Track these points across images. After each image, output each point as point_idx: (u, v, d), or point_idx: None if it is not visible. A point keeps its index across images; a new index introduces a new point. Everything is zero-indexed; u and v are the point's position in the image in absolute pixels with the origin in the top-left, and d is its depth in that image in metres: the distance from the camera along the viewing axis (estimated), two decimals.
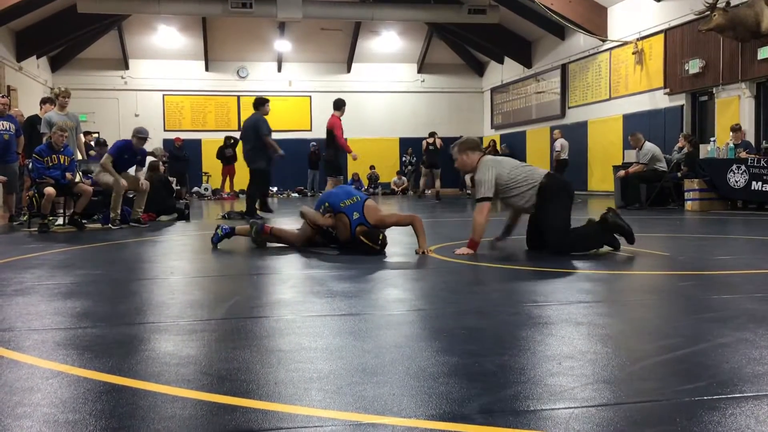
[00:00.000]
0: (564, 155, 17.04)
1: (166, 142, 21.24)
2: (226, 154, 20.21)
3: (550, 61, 20.23)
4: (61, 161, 8.45)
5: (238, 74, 23.56)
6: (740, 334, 2.71)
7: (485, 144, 22.53)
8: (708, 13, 12.10)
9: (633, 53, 16.13)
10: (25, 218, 9.10)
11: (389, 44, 23.82)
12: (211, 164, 21.61)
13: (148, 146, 9.91)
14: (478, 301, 3.63)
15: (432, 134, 17.36)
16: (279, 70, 23.82)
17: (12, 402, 1.99)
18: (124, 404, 1.96)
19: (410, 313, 3.32)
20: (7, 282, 4.28)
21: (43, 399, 2.02)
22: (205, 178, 22.00)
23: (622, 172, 12.49)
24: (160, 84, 22.97)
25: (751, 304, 3.35)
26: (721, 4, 12.07)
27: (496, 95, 23.94)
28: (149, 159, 10.91)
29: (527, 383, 2.12)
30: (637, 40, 15.95)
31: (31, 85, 19.10)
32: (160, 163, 12.89)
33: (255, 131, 10.29)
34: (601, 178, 17.74)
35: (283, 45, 23.08)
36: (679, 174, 12.22)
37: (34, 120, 10.15)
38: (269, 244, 6.06)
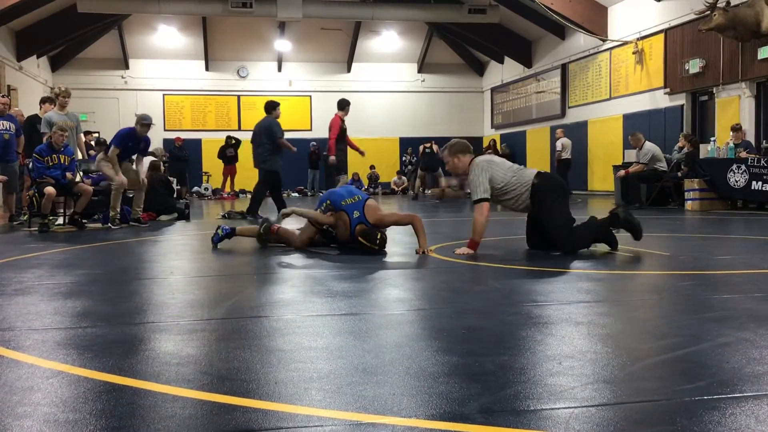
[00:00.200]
0: (566, 155, 17.04)
1: (167, 142, 21.24)
2: (227, 154, 20.23)
3: (550, 61, 20.22)
4: (62, 161, 8.45)
5: (239, 74, 23.56)
6: (740, 333, 2.71)
7: (485, 144, 22.56)
8: (708, 12, 12.11)
9: (633, 53, 16.12)
10: (25, 218, 9.11)
11: (389, 44, 23.82)
12: (212, 164, 21.63)
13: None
14: (478, 301, 3.63)
15: (429, 142, 17.95)
16: (279, 69, 23.83)
17: (12, 401, 1.99)
18: (124, 404, 1.96)
19: (410, 312, 3.32)
20: (7, 282, 4.28)
21: (43, 398, 2.02)
22: (205, 177, 21.99)
23: (622, 172, 12.50)
24: (161, 84, 22.97)
25: (751, 303, 3.35)
26: (721, 4, 12.07)
27: (496, 95, 23.93)
28: (150, 159, 10.91)
29: (527, 383, 2.12)
30: (638, 39, 15.94)
31: (31, 85, 19.10)
32: (161, 162, 12.88)
33: (269, 135, 10.46)
34: (601, 177, 17.73)
35: (283, 45, 23.09)
36: (679, 174, 12.23)
37: (34, 120, 10.14)
38: (270, 244, 6.07)
